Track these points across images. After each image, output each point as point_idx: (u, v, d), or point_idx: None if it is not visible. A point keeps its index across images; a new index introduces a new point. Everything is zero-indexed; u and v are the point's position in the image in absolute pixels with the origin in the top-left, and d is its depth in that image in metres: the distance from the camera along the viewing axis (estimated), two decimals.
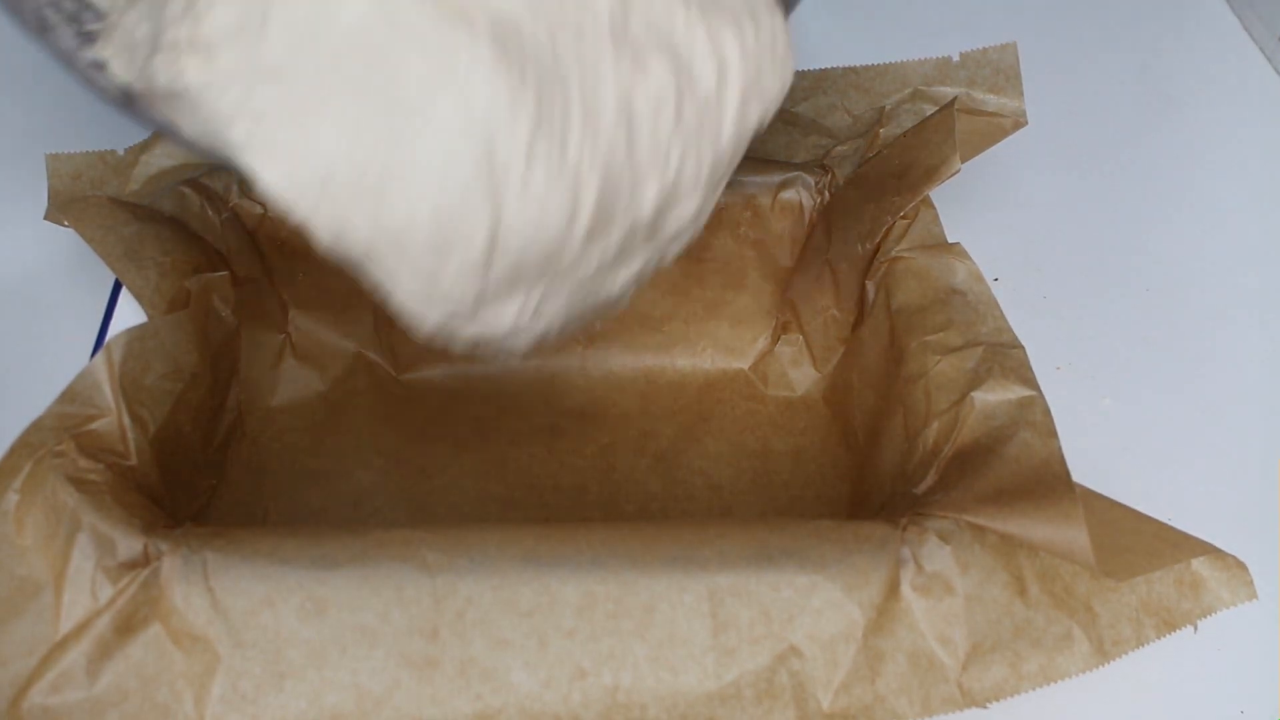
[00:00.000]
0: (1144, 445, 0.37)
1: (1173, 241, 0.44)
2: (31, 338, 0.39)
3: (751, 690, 0.24)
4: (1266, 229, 0.45)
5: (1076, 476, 0.27)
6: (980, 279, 0.31)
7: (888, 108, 0.38)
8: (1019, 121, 0.35)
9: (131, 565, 0.24)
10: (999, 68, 0.37)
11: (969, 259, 0.32)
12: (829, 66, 0.39)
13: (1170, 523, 0.27)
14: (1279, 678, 0.31)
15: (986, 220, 0.44)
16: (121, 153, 0.37)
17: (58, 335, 0.38)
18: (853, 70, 0.39)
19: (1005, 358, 0.29)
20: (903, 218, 0.33)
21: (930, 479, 0.27)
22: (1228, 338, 0.41)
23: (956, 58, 0.37)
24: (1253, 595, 0.27)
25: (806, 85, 0.39)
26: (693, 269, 0.38)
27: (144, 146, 0.37)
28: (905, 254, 0.33)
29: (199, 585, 0.24)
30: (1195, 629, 0.26)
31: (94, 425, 0.27)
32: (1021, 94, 0.36)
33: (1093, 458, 0.34)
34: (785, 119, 0.39)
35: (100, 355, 0.28)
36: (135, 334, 0.29)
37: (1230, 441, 0.38)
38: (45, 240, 0.36)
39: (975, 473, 0.26)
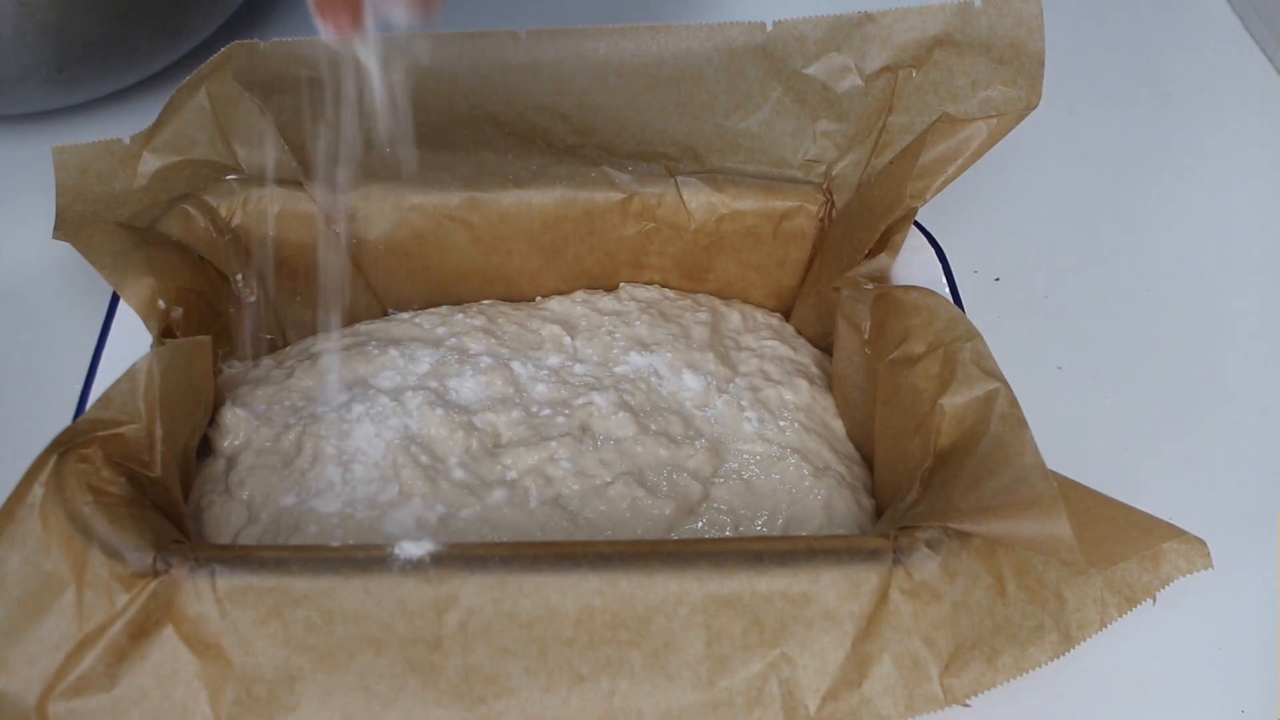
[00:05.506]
0: (1145, 444, 0.37)
1: (1173, 241, 0.44)
2: (30, 340, 0.39)
3: (742, 697, 0.25)
4: (1266, 229, 0.45)
5: (1078, 475, 0.27)
6: (928, 290, 0.32)
7: (900, 75, 0.36)
8: (1031, 104, 0.34)
9: (143, 575, 0.25)
10: (1021, 18, 0.35)
11: (894, 267, 0.33)
12: (842, 13, 0.36)
13: (1171, 522, 0.28)
14: (1279, 678, 0.32)
15: (987, 220, 0.44)
16: (127, 141, 0.37)
17: (57, 338, 0.38)
18: (869, 16, 0.36)
19: (965, 352, 0.29)
20: (867, 256, 0.34)
21: (914, 490, 0.28)
22: (1228, 337, 0.41)
23: (979, 2, 0.35)
24: (1208, 564, 0.27)
25: (820, 37, 0.37)
26: (697, 292, 0.39)
27: (149, 135, 0.37)
28: (851, 278, 0.34)
29: (208, 597, 0.25)
30: (1154, 601, 0.27)
31: (122, 430, 0.27)
32: (1043, 46, 0.35)
33: (1094, 457, 0.34)
34: (795, 85, 0.37)
35: (141, 363, 0.28)
36: (177, 349, 0.30)
37: (1230, 441, 0.38)
38: (45, 243, 0.36)
39: (956, 477, 0.27)
